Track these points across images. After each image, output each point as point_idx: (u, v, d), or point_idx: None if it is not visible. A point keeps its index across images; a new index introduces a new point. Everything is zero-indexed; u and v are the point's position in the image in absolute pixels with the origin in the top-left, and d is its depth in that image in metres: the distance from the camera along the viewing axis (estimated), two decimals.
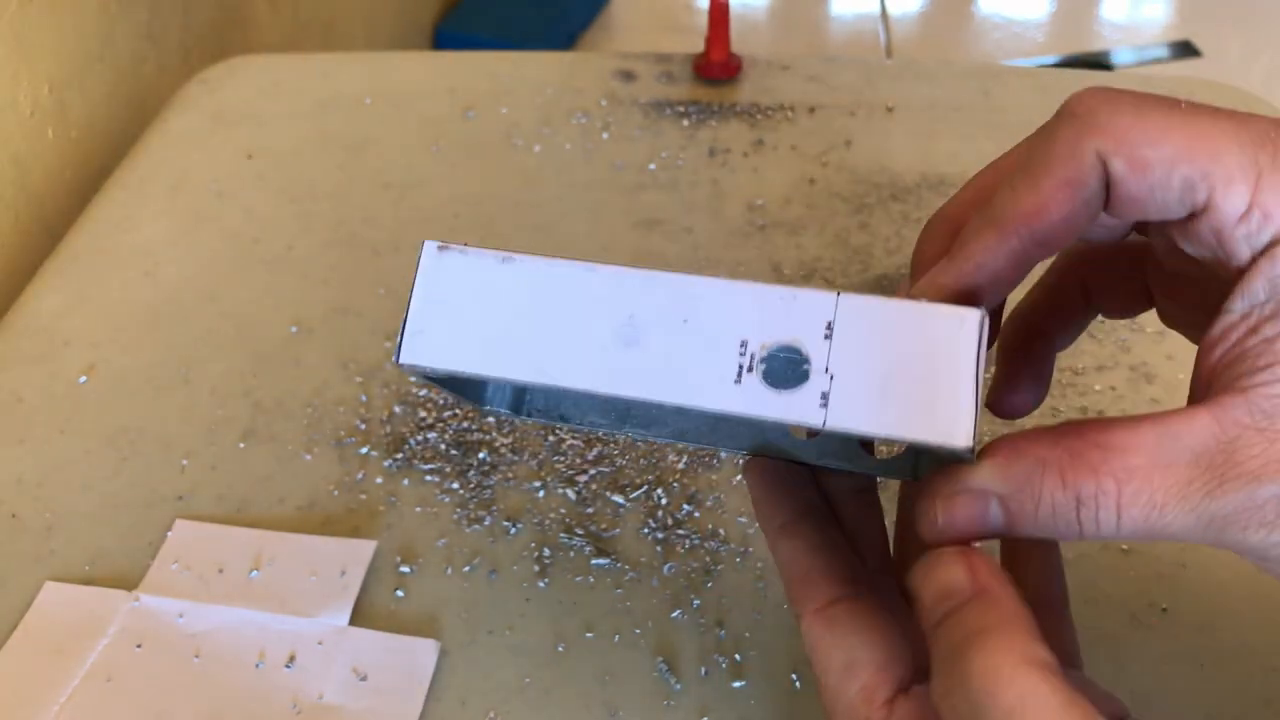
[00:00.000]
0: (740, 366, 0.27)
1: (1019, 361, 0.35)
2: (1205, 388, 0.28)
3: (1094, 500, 0.27)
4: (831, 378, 0.27)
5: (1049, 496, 0.27)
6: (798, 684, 0.41)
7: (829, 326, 0.27)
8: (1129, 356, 0.53)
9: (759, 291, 0.27)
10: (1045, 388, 0.36)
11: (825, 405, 0.27)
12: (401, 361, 0.29)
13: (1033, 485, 0.28)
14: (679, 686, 0.42)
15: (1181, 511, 0.26)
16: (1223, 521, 0.26)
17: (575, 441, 0.50)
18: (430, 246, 0.30)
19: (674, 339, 0.28)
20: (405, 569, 0.46)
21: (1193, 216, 0.27)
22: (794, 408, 0.27)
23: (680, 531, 0.47)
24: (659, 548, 0.46)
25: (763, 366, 0.27)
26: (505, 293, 0.29)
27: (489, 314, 0.29)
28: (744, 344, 0.27)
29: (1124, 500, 0.27)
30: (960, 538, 0.28)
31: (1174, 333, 0.35)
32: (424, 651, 0.42)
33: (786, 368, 0.27)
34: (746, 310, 0.27)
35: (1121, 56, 1.81)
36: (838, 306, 0.27)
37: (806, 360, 0.27)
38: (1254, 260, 0.27)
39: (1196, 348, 0.30)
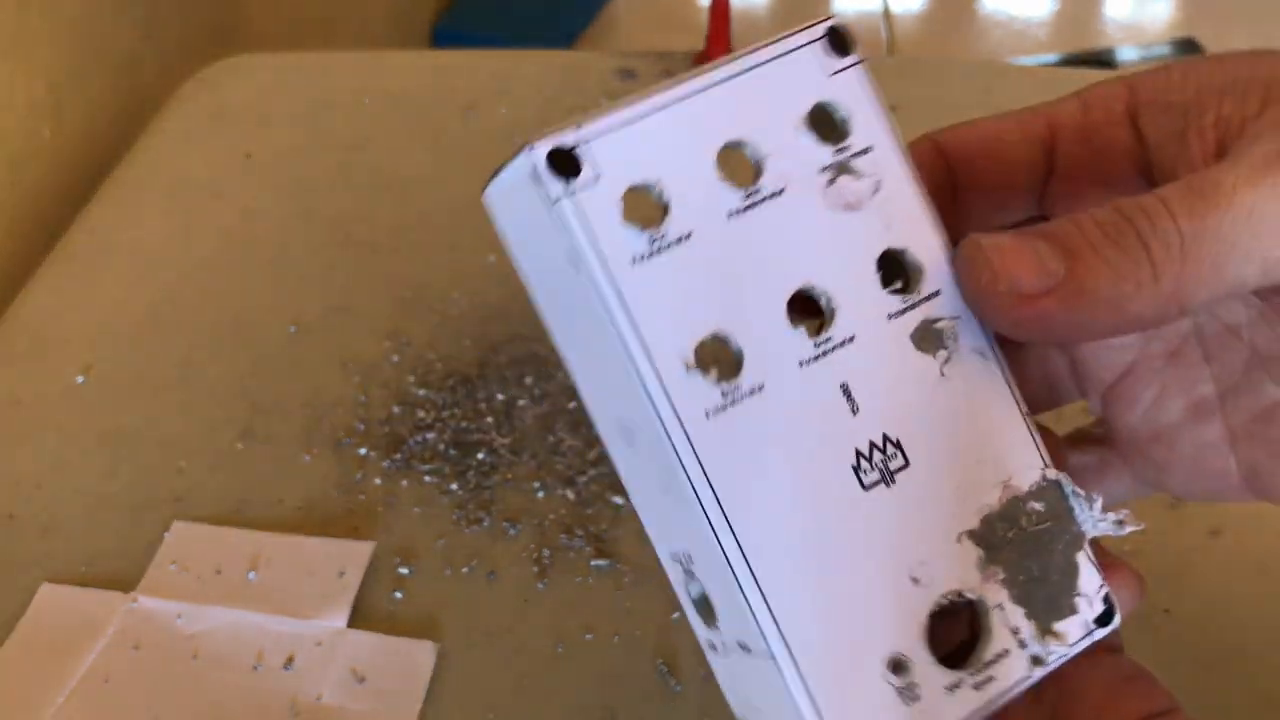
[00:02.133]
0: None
1: None
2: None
3: (1133, 201, 0.24)
4: None
5: (1089, 215, 0.24)
6: None
7: None
8: None
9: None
10: None
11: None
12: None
13: (1069, 216, 0.25)
14: (679, 688, 0.41)
15: (1232, 166, 0.23)
16: None
17: (575, 442, 0.50)
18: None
19: None
20: (404, 570, 0.45)
21: (1051, 150, 0.28)
22: None
23: None
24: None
25: None
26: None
27: None
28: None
29: (1160, 191, 0.24)
30: (1025, 290, 0.24)
31: None
32: (423, 653, 0.42)
33: None
34: None
35: (1125, 54, 1.81)
36: None
37: None
38: (1138, 131, 0.27)
39: None
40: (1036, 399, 0.30)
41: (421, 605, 0.44)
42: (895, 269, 0.26)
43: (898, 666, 0.25)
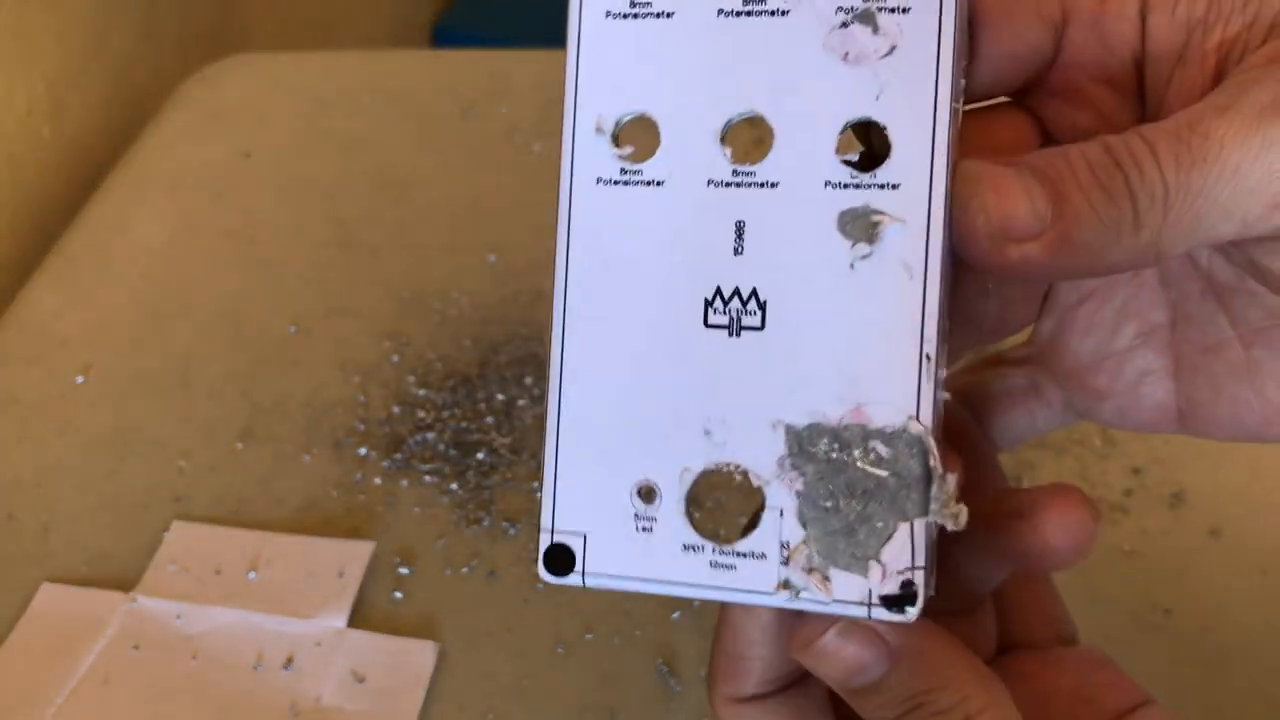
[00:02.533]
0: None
1: None
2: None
3: (1123, 143, 0.23)
4: None
5: (1078, 152, 0.24)
6: None
7: None
8: None
9: None
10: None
11: None
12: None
13: (1061, 149, 0.24)
14: (679, 688, 0.41)
15: (1219, 115, 0.23)
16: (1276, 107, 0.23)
17: None
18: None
19: None
20: (404, 570, 0.45)
21: (1061, 41, 0.27)
22: None
23: None
24: None
25: None
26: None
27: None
28: None
29: (1148, 132, 0.23)
30: (1014, 232, 0.23)
31: None
32: (422, 652, 0.42)
33: None
34: None
35: None
36: None
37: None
38: (1144, 32, 0.26)
39: None
40: (988, 321, 0.29)
41: (421, 605, 0.44)
42: (868, 143, 0.24)
43: (647, 494, 0.25)
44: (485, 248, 0.61)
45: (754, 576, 0.24)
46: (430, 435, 0.50)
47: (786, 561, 0.24)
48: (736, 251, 0.24)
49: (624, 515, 0.25)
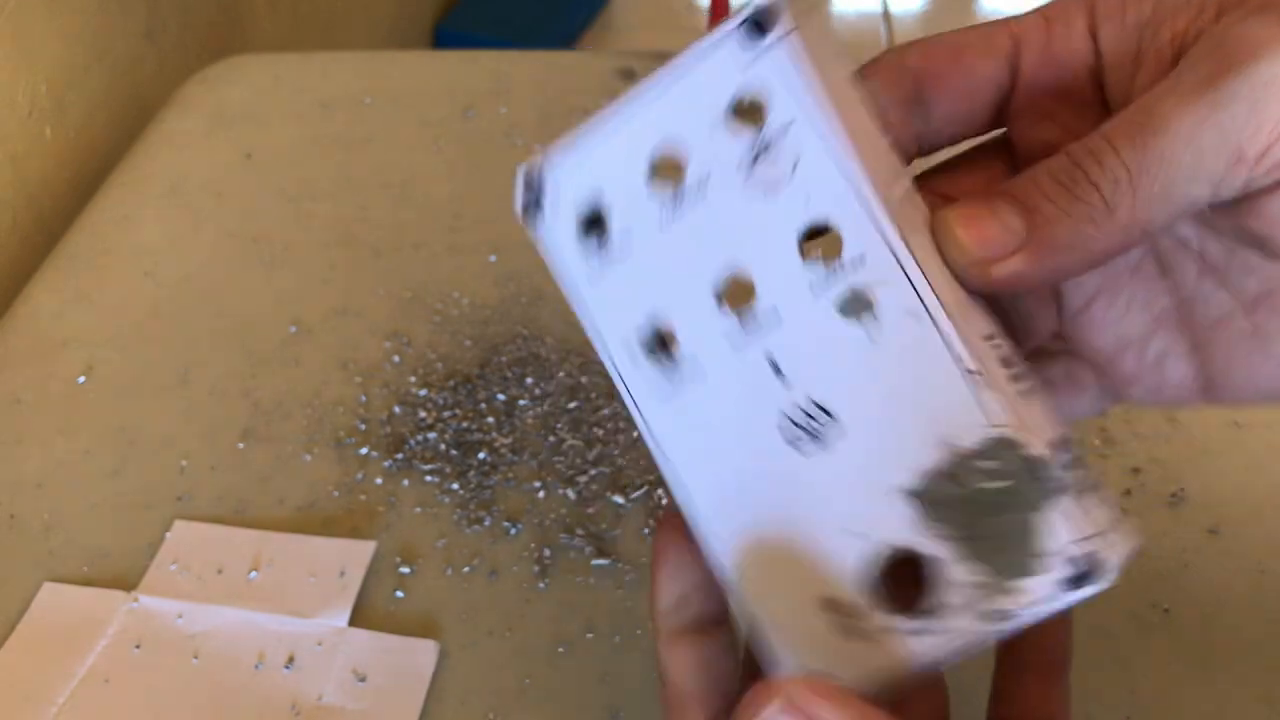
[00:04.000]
0: None
1: None
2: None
3: (1081, 145, 0.25)
4: None
5: (1043, 167, 0.25)
6: None
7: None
8: None
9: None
10: None
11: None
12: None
13: (1027, 172, 0.26)
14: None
15: (1164, 93, 0.24)
16: (1214, 76, 0.24)
17: (576, 442, 0.50)
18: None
19: None
20: (405, 569, 0.45)
21: (1017, 70, 0.29)
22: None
23: None
24: None
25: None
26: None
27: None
28: None
29: (1105, 129, 0.25)
30: (990, 254, 0.25)
31: None
32: (423, 652, 0.42)
33: None
34: None
35: None
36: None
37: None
38: (1096, 47, 0.28)
39: None
40: (1016, 335, 0.30)
41: (422, 605, 0.44)
42: (815, 237, 0.26)
43: (835, 606, 0.26)
44: (486, 248, 0.61)
45: (961, 625, 0.25)
46: (431, 435, 0.51)
47: (975, 601, 0.25)
48: (782, 382, 0.26)
49: (827, 629, 0.26)
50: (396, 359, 0.54)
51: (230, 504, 0.48)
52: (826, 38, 0.26)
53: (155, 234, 0.62)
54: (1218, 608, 0.44)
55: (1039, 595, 0.24)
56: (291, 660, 0.42)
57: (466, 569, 0.46)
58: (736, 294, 0.27)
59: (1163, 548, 0.46)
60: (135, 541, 0.46)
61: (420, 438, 0.50)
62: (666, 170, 0.26)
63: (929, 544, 0.25)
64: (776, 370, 0.26)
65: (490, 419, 0.51)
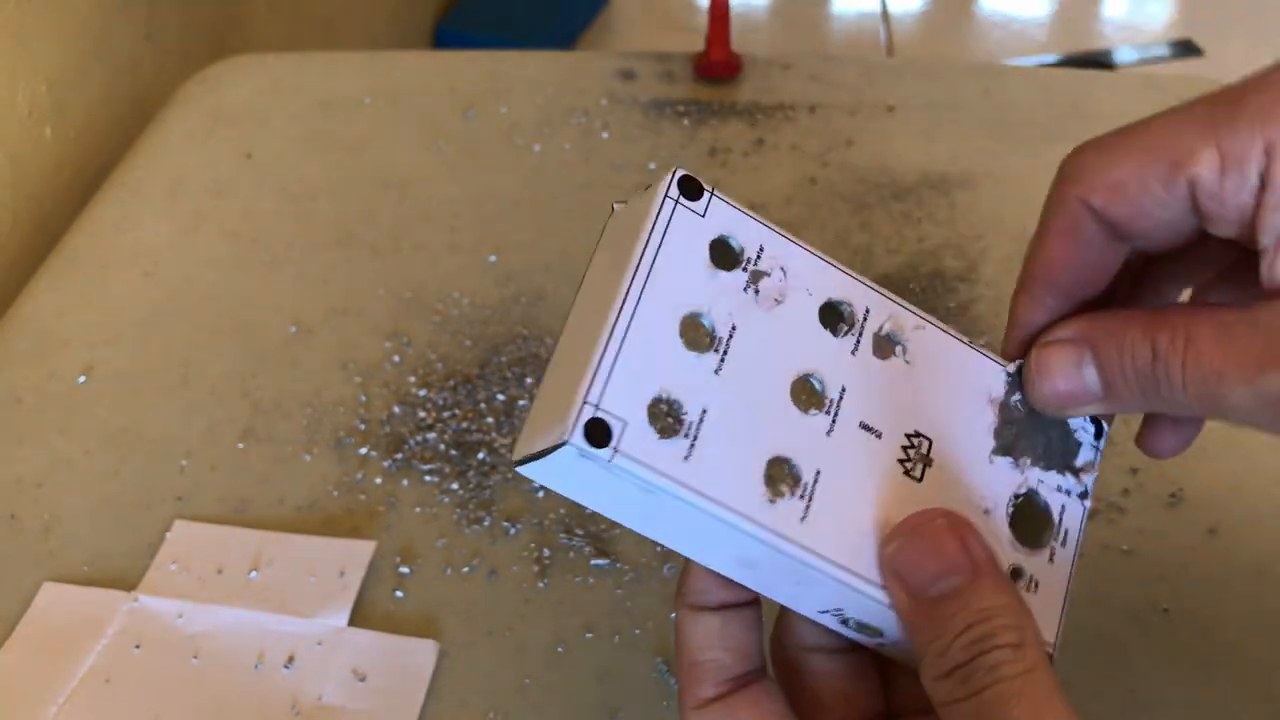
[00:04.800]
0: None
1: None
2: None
3: (1165, 353, 0.28)
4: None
5: (1130, 344, 0.29)
6: None
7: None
8: None
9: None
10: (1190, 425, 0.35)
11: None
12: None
13: (1119, 334, 0.29)
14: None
15: (1237, 380, 0.27)
16: (1276, 399, 0.27)
17: None
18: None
19: None
20: (404, 569, 0.46)
21: (1195, 202, 0.29)
22: None
23: None
24: (658, 548, 0.46)
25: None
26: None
27: None
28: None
29: (1188, 359, 0.28)
30: (1064, 401, 0.30)
31: None
32: (423, 652, 0.42)
33: None
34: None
35: (1123, 55, 1.81)
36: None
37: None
38: (1259, 203, 0.29)
39: None
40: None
41: (422, 604, 0.44)
42: (834, 316, 0.31)
43: (1014, 574, 0.30)
44: (486, 248, 0.61)
45: (1076, 516, 0.32)
46: (431, 435, 0.51)
47: (1069, 493, 0.32)
48: (879, 436, 0.30)
49: (1022, 594, 0.30)
50: (396, 359, 0.54)
51: (230, 504, 0.48)
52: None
53: (155, 234, 0.62)
54: (1217, 608, 0.44)
55: (1091, 458, 0.32)
56: (291, 660, 0.42)
57: (466, 569, 0.46)
58: (803, 394, 0.29)
59: (1161, 548, 0.46)
60: (135, 541, 0.46)
61: (420, 438, 0.50)
62: (693, 330, 0.29)
63: (1028, 477, 0.31)
64: (870, 430, 0.30)
65: (490, 419, 0.51)
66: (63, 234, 0.63)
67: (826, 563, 0.28)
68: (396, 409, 0.52)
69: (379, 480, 0.49)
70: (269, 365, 0.54)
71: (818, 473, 0.29)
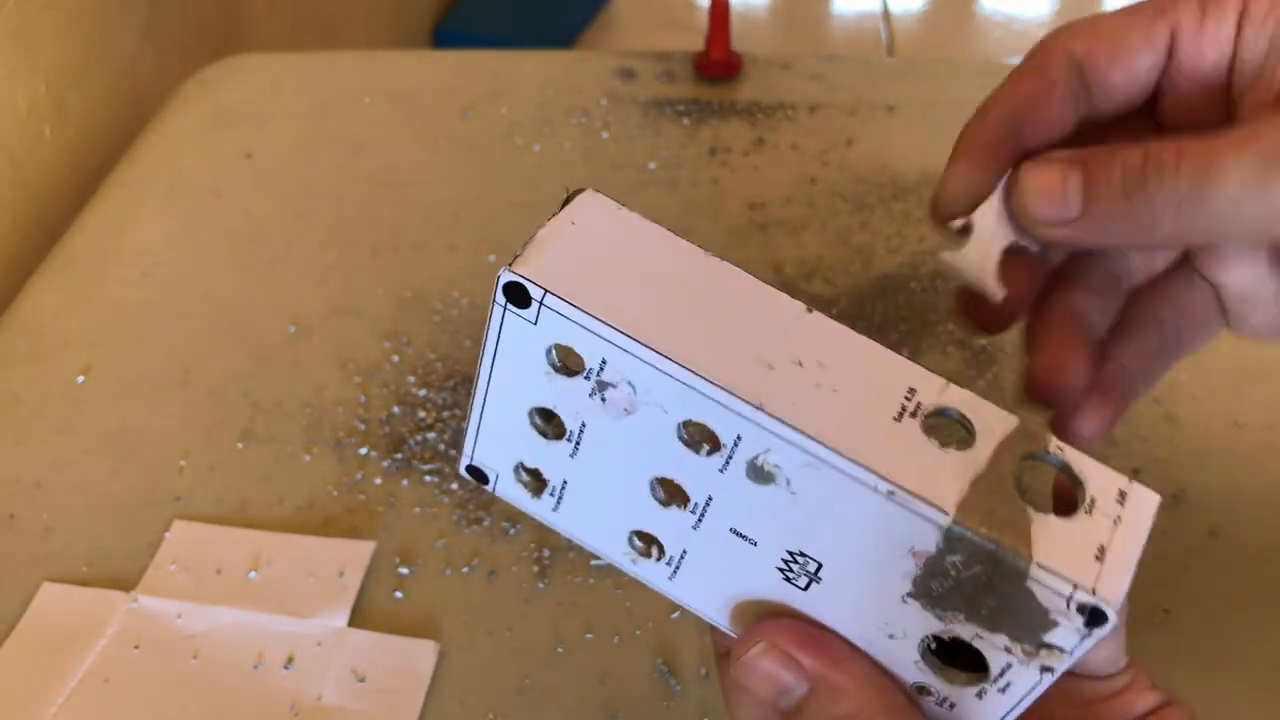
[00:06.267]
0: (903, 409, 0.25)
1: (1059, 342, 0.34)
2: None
3: (1156, 151, 0.28)
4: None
5: (1122, 154, 0.28)
6: None
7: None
8: None
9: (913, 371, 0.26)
10: (1118, 398, 0.34)
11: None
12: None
13: (1112, 151, 0.29)
14: (679, 688, 0.41)
15: (1230, 156, 0.27)
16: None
17: None
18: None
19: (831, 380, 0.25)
20: (404, 570, 0.45)
21: (1171, 55, 0.31)
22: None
23: None
24: None
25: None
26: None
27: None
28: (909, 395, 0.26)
29: (1184, 148, 0.28)
30: (1045, 218, 0.29)
31: None
32: (423, 652, 0.42)
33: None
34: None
35: None
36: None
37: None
38: (1237, 41, 0.30)
39: None
40: (1136, 273, 0.35)
41: (422, 605, 0.44)
42: (696, 435, 0.27)
43: (921, 691, 0.27)
44: (485, 248, 0.61)
45: (1027, 679, 0.26)
46: (431, 435, 0.50)
47: (1023, 659, 0.26)
48: (754, 544, 0.27)
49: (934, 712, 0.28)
50: (396, 359, 0.54)
51: (229, 504, 0.48)
52: (591, 238, 0.27)
53: (155, 234, 0.62)
54: (1218, 608, 0.44)
55: (1072, 644, 0.25)
56: (291, 660, 0.42)
57: (466, 569, 0.45)
58: (665, 490, 0.28)
59: (1163, 549, 0.45)
60: (135, 541, 0.46)
61: (420, 438, 0.50)
62: (544, 419, 0.29)
63: (958, 628, 0.26)
64: (744, 538, 0.27)
65: None
66: (62, 234, 0.63)
67: (698, 610, 0.29)
68: (396, 409, 0.52)
69: (379, 480, 0.49)
70: (269, 365, 0.54)
71: (683, 553, 0.29)
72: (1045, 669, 0.26)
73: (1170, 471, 0.48)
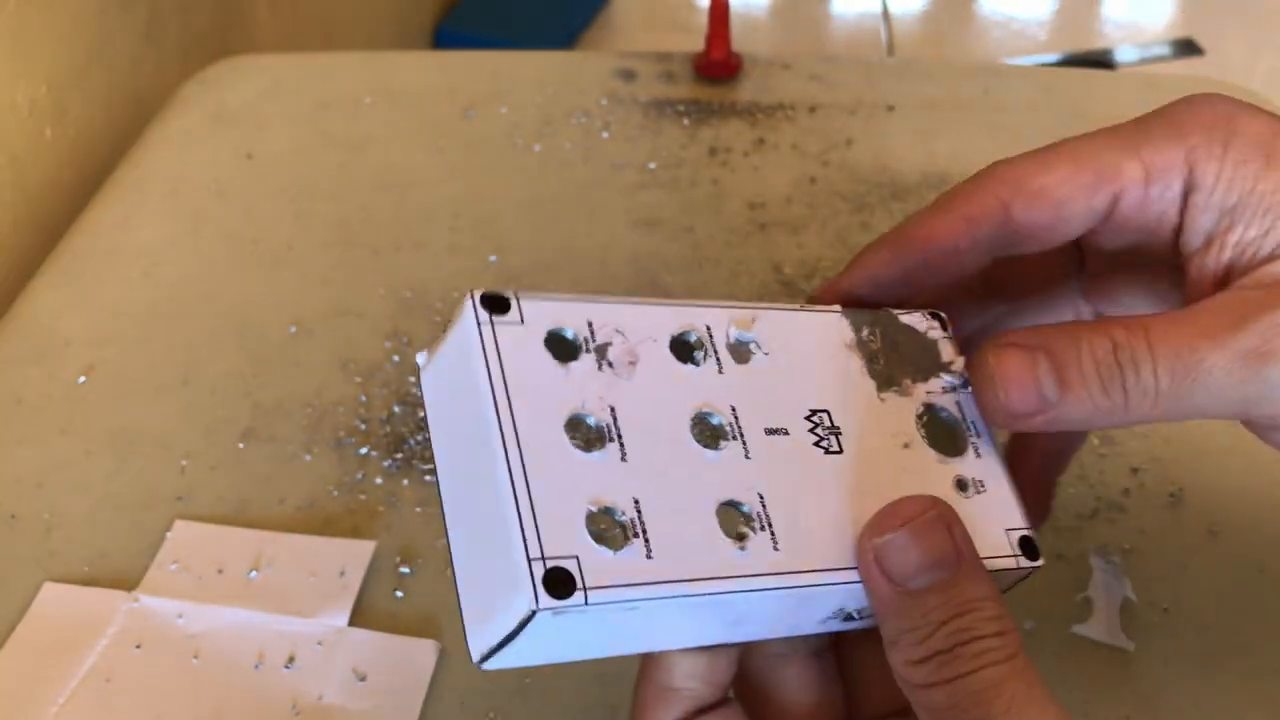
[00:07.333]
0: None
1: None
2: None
3: (1125, 340, 0.28)
4: None
5: (1086, 341, 0.29)
6: None
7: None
8: None
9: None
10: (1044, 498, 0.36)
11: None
12: None
13: (1075, 338, 0.29)
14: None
15: (1210, 346, 0.28)
16: (1258, 354, 0.27)
17: None
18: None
19: None
20: (405, 569, 0.46)
21: (1109, 214, 0.31)
22: None
23: None
24: None
25: None
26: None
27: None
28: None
29: (1153, 339, 0.28)
30: (1021, 413, 0.29)
31: None
32: (423, 652, 0.42)
33: None
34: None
35: (1124, 54, 1.81)
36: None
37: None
38: (1183, 208, 0.30)
39: None
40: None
41: (422, 604, 0.44)
42: (686, 349, 0.30)
43: (960, 485, 0.31)
44: (486, 248, 0.61)
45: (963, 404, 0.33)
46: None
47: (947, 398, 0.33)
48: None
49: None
50: (396, 359, 0.54)
51: (230, 504, 0.48)
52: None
53: (155, 234, 0.62)
54: (1217, 608, 0.44)
55: (958, 353, 0.33)
56: (291, 660, 0.42)
57: None
58: (705, 434, 0.29)
59: (1162, 548, 0.46)
60: (135, 541, 0.46)
61: (420, 437, 0.50)
62: (579, 433, 0.28)
63: (918, 392, 0.32)
64: (776, 431, 0.30)
65: None
66: (63, 234, 0.63)
67: (820, 574, 0.28)
68: (396, 409, 0.52)
69: (379, 480, 0.49)
70: (269, 365, 0.54)
71: (760, 497, 0.28)
72: (965, 384, 0.32)
73: (1170, 471, 0.48)
